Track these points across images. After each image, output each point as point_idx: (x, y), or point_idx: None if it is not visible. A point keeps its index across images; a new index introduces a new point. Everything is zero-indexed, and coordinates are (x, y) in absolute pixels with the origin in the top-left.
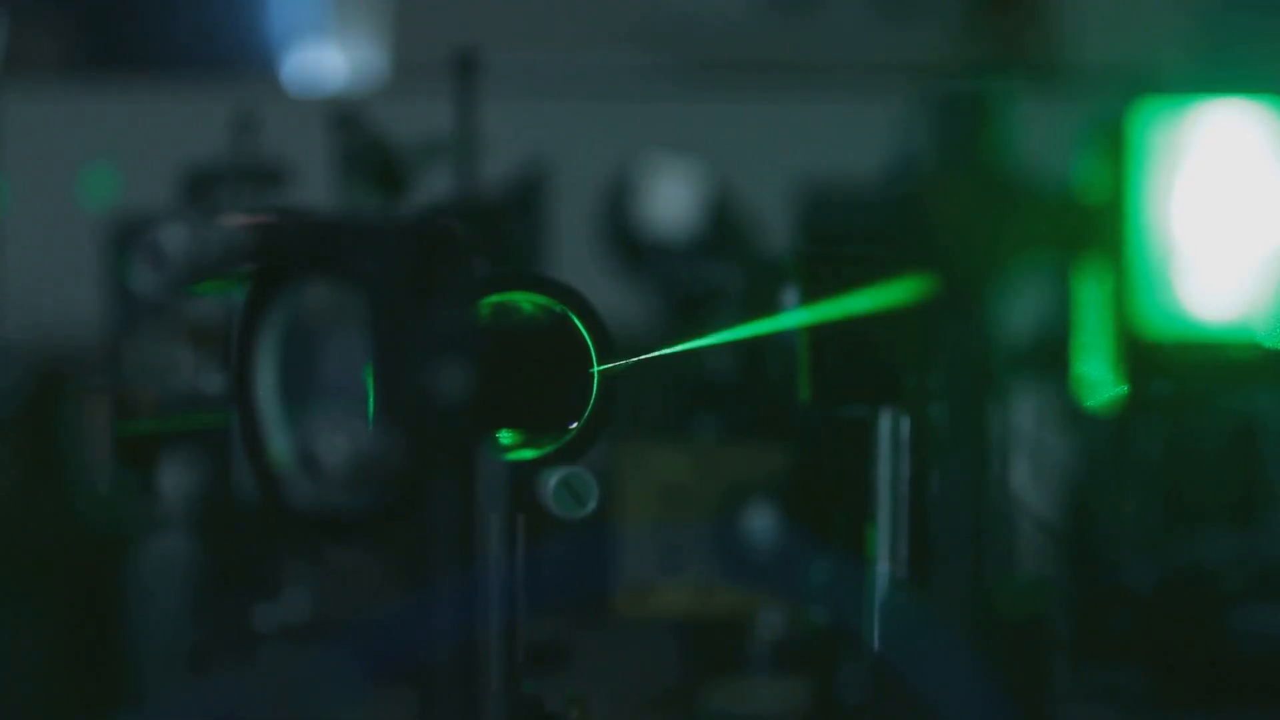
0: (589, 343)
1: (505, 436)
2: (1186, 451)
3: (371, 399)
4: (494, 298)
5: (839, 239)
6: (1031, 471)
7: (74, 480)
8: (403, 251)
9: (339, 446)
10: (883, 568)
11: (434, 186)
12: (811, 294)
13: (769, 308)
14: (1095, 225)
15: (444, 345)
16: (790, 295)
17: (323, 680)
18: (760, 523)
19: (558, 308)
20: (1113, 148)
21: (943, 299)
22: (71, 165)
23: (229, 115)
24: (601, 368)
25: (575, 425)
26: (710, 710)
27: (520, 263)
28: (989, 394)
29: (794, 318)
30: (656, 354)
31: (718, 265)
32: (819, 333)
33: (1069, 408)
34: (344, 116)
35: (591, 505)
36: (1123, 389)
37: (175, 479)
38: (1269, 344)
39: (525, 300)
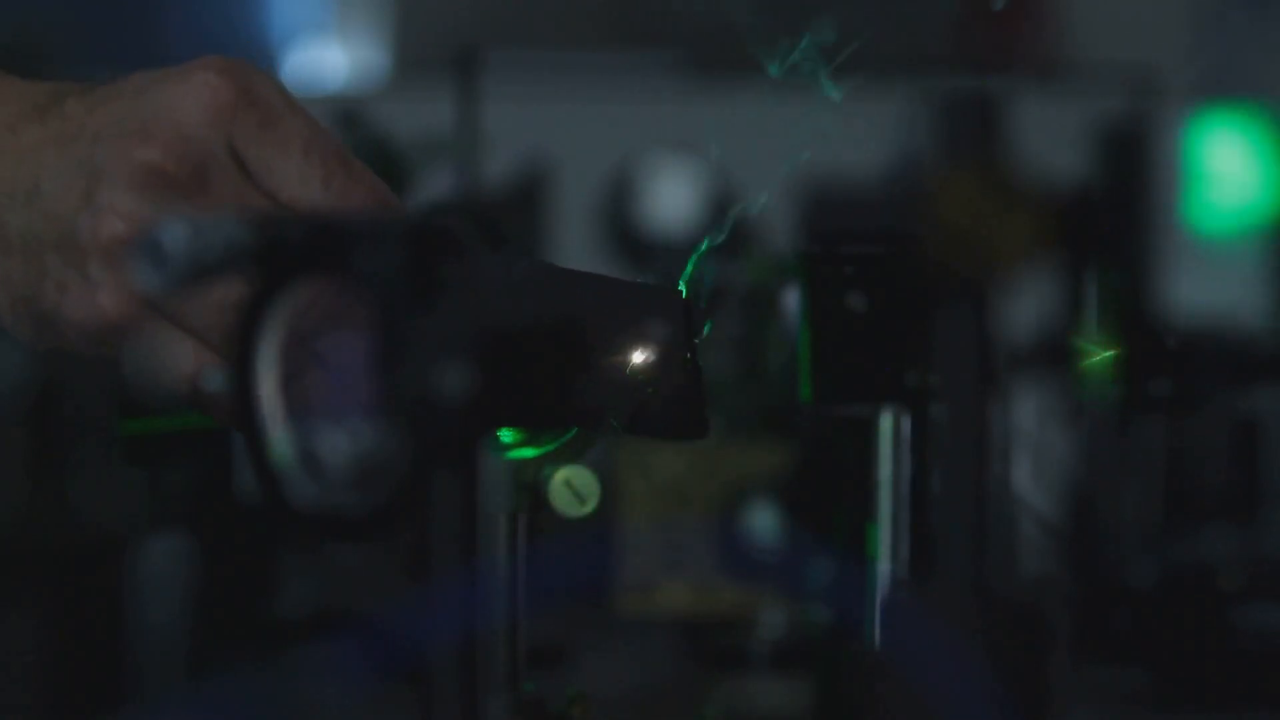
0: None
1: (506, 435)
2: (1188, 449)
3: (373, 398)
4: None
5: (841, 237)
6: (1033, 469)
7: (74, 480)
8: (403, 250)
9: (340, 446)
10: (884, 566)
11: (435, 185)
12: (813, 292)
13: (770, 306)
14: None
15: (445, 344)
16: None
17: (323, 680)
18: (761, 522)
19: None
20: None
21: (945, 297)
22: None
23: None
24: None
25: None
26: (711, 709)
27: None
28: (991, 392)
29: (795, 316)
30: None
31: (720, 263)
32: (820, 331)
33: (1071, 406)
34: (345, 114)
35: (593, 504)
36: (1125, 387)
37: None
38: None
39: None
